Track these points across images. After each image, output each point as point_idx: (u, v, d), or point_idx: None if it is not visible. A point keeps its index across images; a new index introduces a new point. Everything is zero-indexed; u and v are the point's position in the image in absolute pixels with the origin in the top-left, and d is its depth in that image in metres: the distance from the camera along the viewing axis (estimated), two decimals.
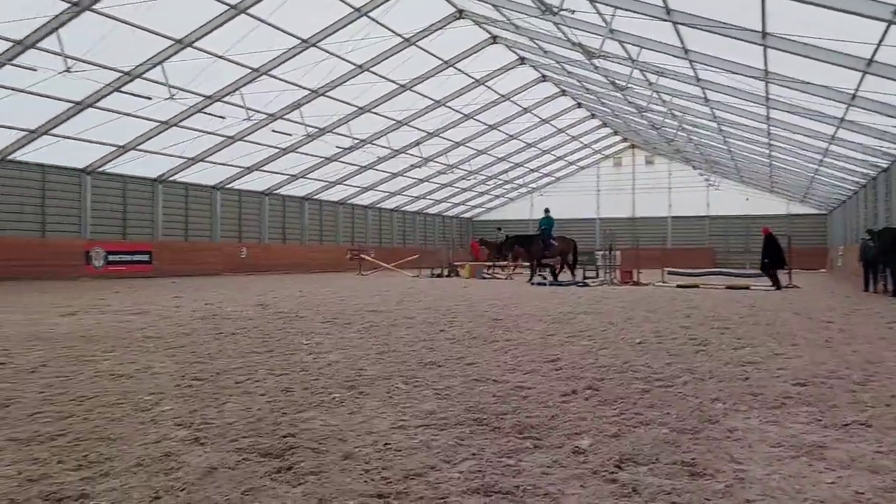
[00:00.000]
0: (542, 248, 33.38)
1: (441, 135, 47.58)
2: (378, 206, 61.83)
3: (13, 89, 27.54)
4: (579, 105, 50.64)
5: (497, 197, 71.73)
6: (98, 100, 30.20)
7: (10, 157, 31.77)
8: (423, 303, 19.64)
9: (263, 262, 47.63)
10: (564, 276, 33.95)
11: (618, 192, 71.46)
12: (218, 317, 15.87)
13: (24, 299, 20.66)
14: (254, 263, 46.50)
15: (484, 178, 61.95)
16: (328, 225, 56.27)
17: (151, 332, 13.55)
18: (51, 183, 33.66)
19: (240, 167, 42.81)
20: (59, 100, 29.74)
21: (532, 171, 65.79)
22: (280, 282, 32.17)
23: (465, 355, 11.11)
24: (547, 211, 35.33)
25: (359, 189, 55.04)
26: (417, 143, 47.50)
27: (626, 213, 71.01)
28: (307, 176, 48.07)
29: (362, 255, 47.04)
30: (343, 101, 38.08)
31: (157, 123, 33.92)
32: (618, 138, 65.70)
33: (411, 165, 52.16)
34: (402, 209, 65.29)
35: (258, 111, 35.68)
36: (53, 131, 31.16)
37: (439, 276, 41.44)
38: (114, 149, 34.95)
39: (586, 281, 32.30)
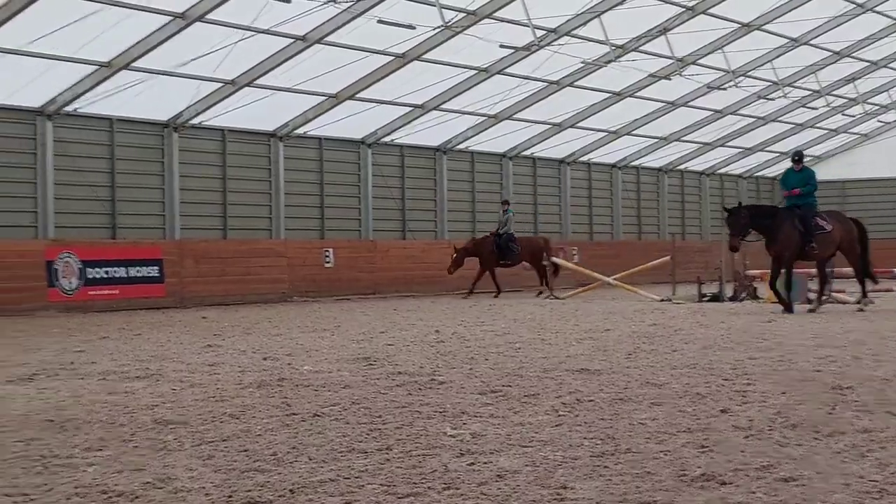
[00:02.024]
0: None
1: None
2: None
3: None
4: None
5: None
6: None
7: None
8: (678, 351, 12.98)
9: (361, 272, 28.84)
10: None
11: None
12: (287, 382, 10.11)
13: None
14: (348, 277, 28.21)
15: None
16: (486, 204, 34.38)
17: (168, 411, 8.30)
18: None
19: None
20: None
21: None
22: (400, 310, 22.23)
23: (775, 462, 5.83)
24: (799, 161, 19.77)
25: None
26: None
27: None
28: None
29: (552, 258, 28.13)
30: None
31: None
32: None
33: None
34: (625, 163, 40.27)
35: None
36: None
37: (712, 299, 23.39)
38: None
39: None
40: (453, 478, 5.69)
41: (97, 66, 21.75)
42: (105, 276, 22.42)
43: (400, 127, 29.32)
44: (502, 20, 25.26)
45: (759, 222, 19.15)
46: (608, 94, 31.84)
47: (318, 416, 7.89)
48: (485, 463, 6.05)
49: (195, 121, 24.92)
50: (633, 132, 35.65)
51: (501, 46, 26.50)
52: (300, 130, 27.35)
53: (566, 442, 6.60)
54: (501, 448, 6.43)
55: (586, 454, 6.17)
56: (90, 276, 22.15)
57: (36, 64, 20.97)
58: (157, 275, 23.45)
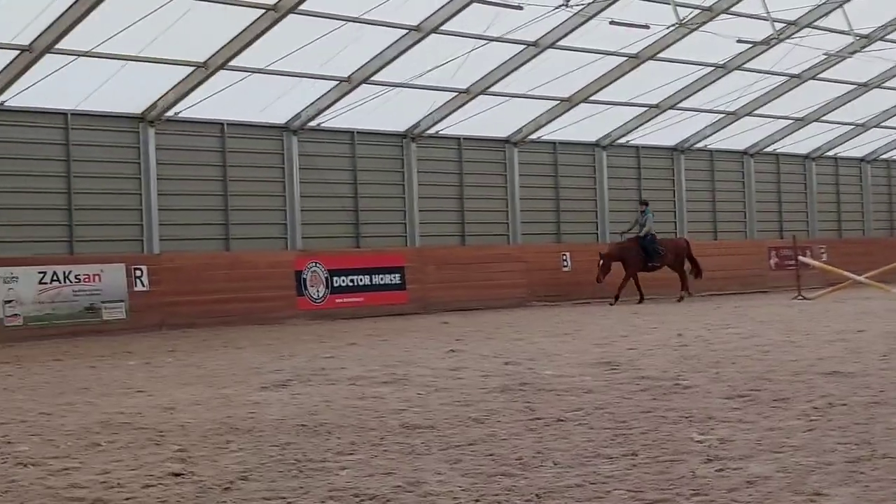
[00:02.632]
0: None
1: None
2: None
3: None
4: None
5: None
6: None
7: None
8: None
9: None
10: None
11: None
12: (529, 387, 10.05)
13: (211, 360, 14.32)
14: (586, 281, 26.61)
15: None
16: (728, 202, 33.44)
17: (416, 415, 8.39)
18: None
19: None
20: None
21: None
22: (641, 313, 21.95)
23: None
24: None
25: None
26: None
27: None
28: None
29: (804, 259, 27.49)
30: None
31: None
32: None
33: None
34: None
35: None
36: None
37: None
38: None
39: None
40: (702, 484, 5.54)
41: (338, 82, 22.38)
42: (350, 284, 23.15)
43: (635, 128, 28.91)
44: (739, 14, 24.55)
45: None
46: (853, 86, 30.45)
47: (562, 420, 7.84)
48: (734, 469, 5.87)
49: (431, 130, 25.29)
50: (882, 124, 33.96)
51: (739, 41, 25.75)
52: (534, 135, 27.36)
53: (819, 447, 6.33)
54: (751, 453, 6.22)
55: (840, 460, 5.90)
56: (336, 285, 22.88)
57: (282, 82, 21.77)
58: (399, 282, 24.03)
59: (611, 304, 24.79)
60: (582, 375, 10.69)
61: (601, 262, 25.53)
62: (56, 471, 6.58)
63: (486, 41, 22.43)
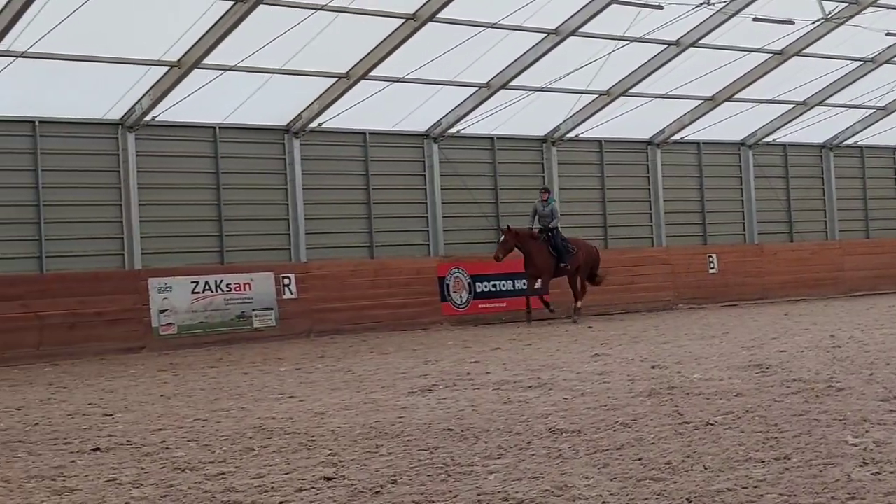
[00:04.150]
0: None
1: None
2: None
3: None
4: None
5: None
6: None
7: None
8: None
9: (747, 277, 27.70)
10: None
11: None
12: (677, 390, 9.89)
13: (359, 365, 14.41)
14: (734, 282, 27.28)
15: None
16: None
17: (562, 420, 8.35)
18: None
19: None
20: None
21: None
22: (791, 315, 21.42)
23: None
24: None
25: None
26: None
27: None
28: None
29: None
30: None
31: None
32: None
33: None
34: None
35: None
36: None
37: None
38: None
39: None
40: (857, 487, 5.40)
41: (477, 88, 22.43)
42: (493, 289, 23.22)
43: (781, 126, 28.23)
44: (888, 7, 23.77)
45: None
46: None
47: (711, 424, 7.71)
48: (891, 472, 5.70)
49: (572, 133, 25.14)
50: None
51: (888, 35, 24.94)
52: (677, 136, 26.95)
53: None
54: None
55: None
56: (479, 290, 22.95)
57: (422, 90, 21.92)
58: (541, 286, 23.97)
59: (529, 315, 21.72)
60: (731, 378, 10.51)
61: (502, 237, 21.99)
62: (212, 475, 6.76)
63: (626, 42, 22.20)
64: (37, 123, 18.52)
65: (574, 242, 22.42)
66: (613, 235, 26.32)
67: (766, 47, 24.29)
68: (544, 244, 21.80)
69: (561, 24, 21.06)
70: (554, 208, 22.11)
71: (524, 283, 23.18)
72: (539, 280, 21.79)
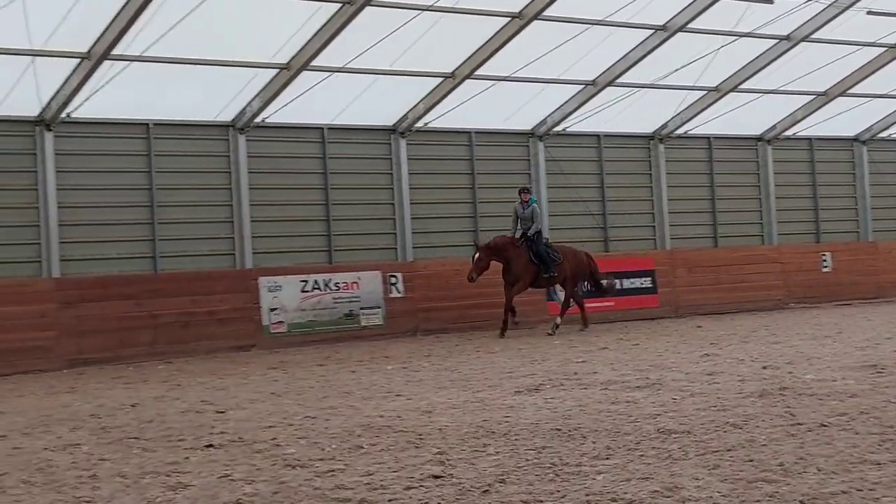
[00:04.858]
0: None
1: None
2: None
3: None
4: None
5: None
6: None
7: None
8: None
9: (861, 276, 27.19)
10: None
11: None
12: (789, 391, 9.68)
13: (465, 364, 14.47)
14: (848, 281, 26.72)
15: None
16: None
17: (671, 420, 8.25)
18: None
19: None
20: None
21: None
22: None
23: None
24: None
25: None
26: None
27: None
28: None
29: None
30: None
31: None
32: None
33: None
34: None
35: None
36: None
37: None
38: None
39: None
40: None
41: (583, 86, 22.29)
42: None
43: None
44: None
45: None
46: None
47: (825, 426, 7.56)
48: None
49: (680, 130, 24.82)
50: None
51: None
52: (789, 132, 26.44)
53: None
54: None
55: None
56: (586, 289, 22.78)
57: (527, 88, 21.87)
58: (650, 286, 23.78)
59: (500, 336, 19.28)
60: (844, 379, 10.29)
61: (475, 255, 19.49)
62: (322, 472, 6.84)
63: (735, 37, 21.85)
64: (150, 126, 18.94)
65: (560, 250, 20.30)
66: (723, 233, 25.91)
67: (880, 41, 23.72)
68: (526, 251, 19.67)
69: (669, 20, 20.82)
70: (535, 211, 19.95)
71: (631, 282, 22.99)
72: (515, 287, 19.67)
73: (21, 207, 17.84)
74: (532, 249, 19.63)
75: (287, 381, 13.15)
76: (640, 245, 24.83)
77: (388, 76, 19.96)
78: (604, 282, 21.26)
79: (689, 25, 20.95)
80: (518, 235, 19.83)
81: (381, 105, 20.65)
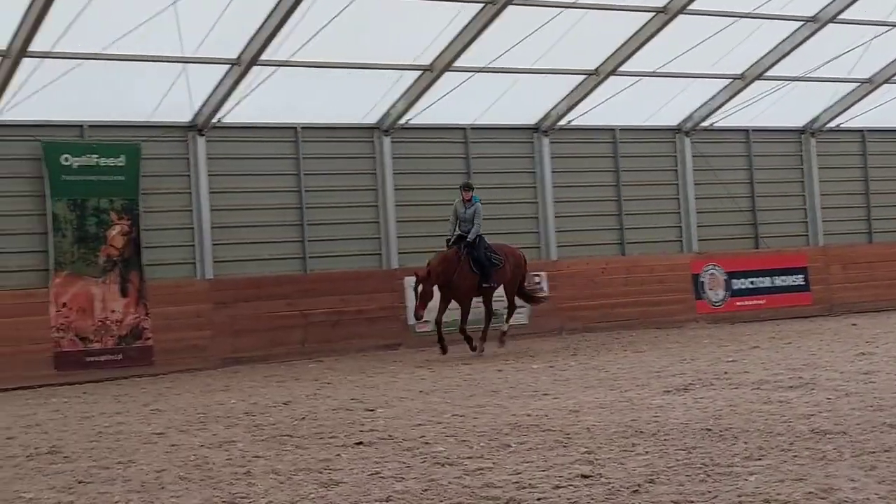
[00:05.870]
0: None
1: None
2: None
3: None
4: None
5: None
6: None
7: None
8: None
9: None
10: None
11: None
12: None
13: (612, 363, 14.15)
14: None
15: None
16: None
17: (826, 420, 8.05)
18: None
19: None
20: None
21: None
22: None
23: None
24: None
25: None
26: None
27: None
28: None
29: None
30: None
31: None
32: None
33: None
34: None
35: None
36: None
37: None
38: None
39: None
40: None
41: (730, 80, 21.89)
42: (750, 286, 22.64)
43: None
44: None
45: None
46: None
47: None
48: None
49: (832, 124, 24.16)
50: None
51: None
52: None
53: None
54: None
55: None
56: (736, 287, 22.41)
57: (672, 83, 21.56)
58: (802, 283, 23.20)
59: (474, 351, 17.02)
60: None
61: (418, 286, 16.72)
62: (471, 470, 6.88)
63: (889, 27, 21.19)
64: (299, 129, 19.30)
65: (499, 250, 17.63)
66: (878, 229, 25.10)
67: None
68: (467, 262, 16.94)
69: (819, 11, 20.29)
70: (477, 210, 17.22)
71: (783, 280, 22.49)
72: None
73: (176, 210, 18.38)
74: (472, 256, 16.99)
75: (434, 380, 13.26)
76: (792, 242, 24.23)
77: (530, 75, 19.94)
78: (540, 294, 19.16)
79: (841, 16, 20.39)
80: (454, 240, 17.21)
81: (523, 104, 20.64)
